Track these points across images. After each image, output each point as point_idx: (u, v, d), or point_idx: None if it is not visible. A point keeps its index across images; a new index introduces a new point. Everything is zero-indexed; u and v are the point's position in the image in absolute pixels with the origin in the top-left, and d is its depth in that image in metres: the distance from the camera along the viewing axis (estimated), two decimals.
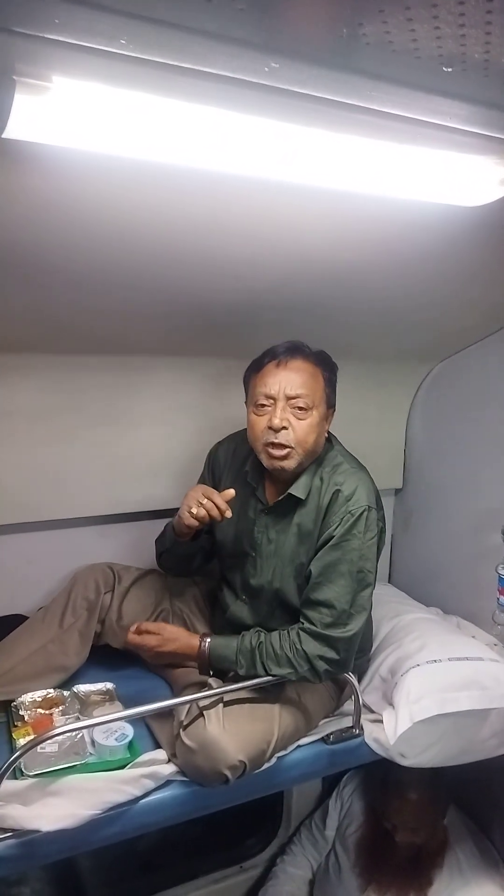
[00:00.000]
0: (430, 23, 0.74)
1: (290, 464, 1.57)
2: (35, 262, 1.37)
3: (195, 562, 1.82)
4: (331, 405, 1.65)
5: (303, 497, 1.61)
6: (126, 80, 0.86)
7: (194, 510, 1.55)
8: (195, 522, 1.56)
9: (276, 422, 1.53)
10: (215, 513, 1.55)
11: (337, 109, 0.93)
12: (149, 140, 0.98)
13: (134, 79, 0.86)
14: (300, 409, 1.55)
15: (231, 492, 1.58)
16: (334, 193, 1.20)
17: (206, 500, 1.55)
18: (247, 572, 1.71)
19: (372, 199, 1.23)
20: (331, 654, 1.52)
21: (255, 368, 1.62)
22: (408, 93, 0.90)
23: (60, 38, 0.77)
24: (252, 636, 1.57)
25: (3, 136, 0.91)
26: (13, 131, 0.90)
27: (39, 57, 0.81)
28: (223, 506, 1.55)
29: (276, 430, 1.54)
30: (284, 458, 1.56)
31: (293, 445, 1.55)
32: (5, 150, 0.98)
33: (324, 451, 1.67)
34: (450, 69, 0.84)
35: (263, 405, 1.57)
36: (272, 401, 1.56)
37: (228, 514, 1.56)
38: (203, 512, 1.55)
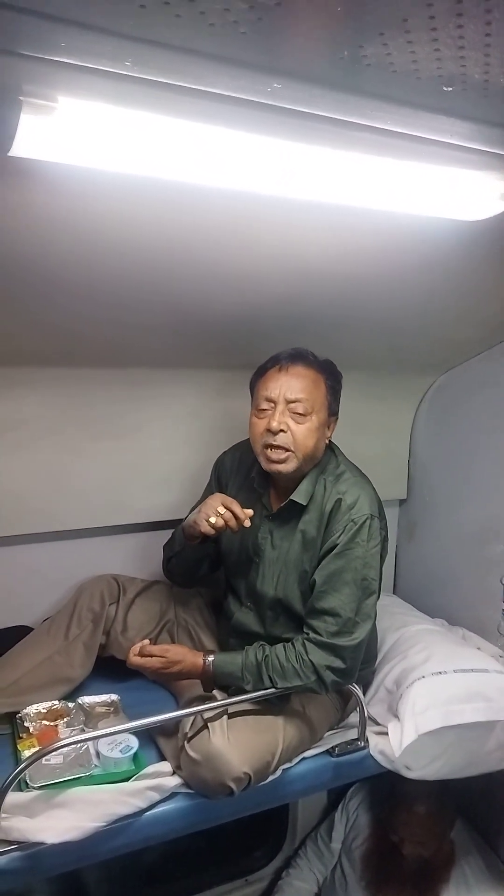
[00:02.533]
0: (430, 45, 0.75)
1: (287, 467, 1.58)
2: (41, 277, 1.39)
3: (202, 568, 1.82)
4: (333, 413, 1.66)
5: (304, 503, 1.62)
6: (130, 99, 0.88)
7: (213, 520, 1.56)
8: (212, 531, 1.57)
9: (274, 424, 1.55)
10: (233, 523, 1.56)
11: (339, 128, 0.94)
12: (152, 158, 0.99)
13: (138, 98, 0.87)
14: (299, 413, 1.57)
15: (250, 511, 1.59)
16: (337, 209, 1.21)
17: (225, 510, 1.57)
18: (251, 579, 1.72)
19: (374, 214, 1.24)
20: (337, 663, 1.52)
21: (260, 373, 1.65)
22: (409, 111, 0.91)
23: (66, 61, 0.79)
24: (256, 650, 1.57)
25: (10, 154, 0.92)
26: (19, 149, 0.92)
27: (46, 78, 0.83)
28: (242, 516, 1.56)
29: (274, 433, 1.56)
30: (283, 461, 1.57)
31: (292, 448, 1.57)
32: (12, 167, 1.00)
33: (326, 460, 1.68)
34: (450, 89, 0.85)
35: (264, 409, 1.59)
36: (272, 404, 1.58)
37: (247, 523, 1.57)
38: (221, 522, 1.56)
